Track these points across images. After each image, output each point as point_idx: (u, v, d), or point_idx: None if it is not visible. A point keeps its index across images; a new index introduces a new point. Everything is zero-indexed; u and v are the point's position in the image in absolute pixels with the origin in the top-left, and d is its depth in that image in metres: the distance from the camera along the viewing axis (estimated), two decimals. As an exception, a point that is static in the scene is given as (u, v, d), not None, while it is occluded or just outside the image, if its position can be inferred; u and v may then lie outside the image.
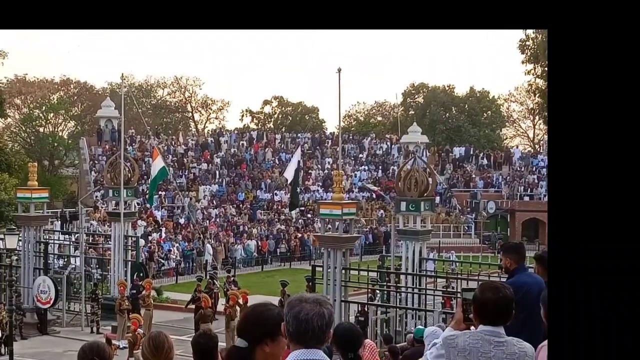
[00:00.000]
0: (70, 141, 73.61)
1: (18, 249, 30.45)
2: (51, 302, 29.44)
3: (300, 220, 54.52)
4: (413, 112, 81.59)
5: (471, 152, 69.84)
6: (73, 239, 36.16)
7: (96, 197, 48.99)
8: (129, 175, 33.10)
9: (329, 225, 24.95)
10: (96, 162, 56.21)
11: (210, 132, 73.98)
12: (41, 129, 74.80)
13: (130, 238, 33.57)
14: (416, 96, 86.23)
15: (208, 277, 33.65)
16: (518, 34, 46.21)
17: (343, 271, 24.38)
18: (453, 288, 25.29)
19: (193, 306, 28.37)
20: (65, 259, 35.24)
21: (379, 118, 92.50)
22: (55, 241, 35.23)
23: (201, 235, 46.52)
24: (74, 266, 33.58)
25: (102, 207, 45.21)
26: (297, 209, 50.78)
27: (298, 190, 41.94)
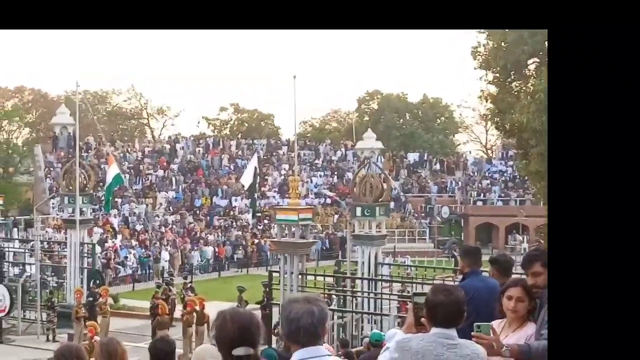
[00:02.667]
0: (25, 148, 72.59)
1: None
2: (6, 310, 29.04)
3: (257, 226, 54.43)
4: (367, 119, 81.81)
5: (425, 158, 70.29)
6: (28, 247, 35.73)
7: (51, 204, 48.46)
8: (85, 182, 32.72)
9: (286, 231, 24.93)
10: (51, 169, 55.61)
11: (166, 139, 73.55)
12: (-5, 137, 73.84)
13: (86, 245, 33.25)
14: (370, 103, 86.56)
15: (164, 283, 33.42)
16: (470, 41, 46.93)
17: (300, 276, 24.38)
18: (408, 292, 25.38)
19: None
20: (21, 267, 34.81)
21: (334, 124, 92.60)
22: (10, 249, 34.80)
23: (158, 242, 46.25)
24: (29, 274, 33.17)
25: (57, 215, 44.72)
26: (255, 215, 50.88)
27: (255, 196, 41.97)
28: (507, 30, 34.38)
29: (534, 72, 34.38)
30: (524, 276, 6.69)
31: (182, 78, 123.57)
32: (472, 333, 5.39)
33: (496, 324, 6.10)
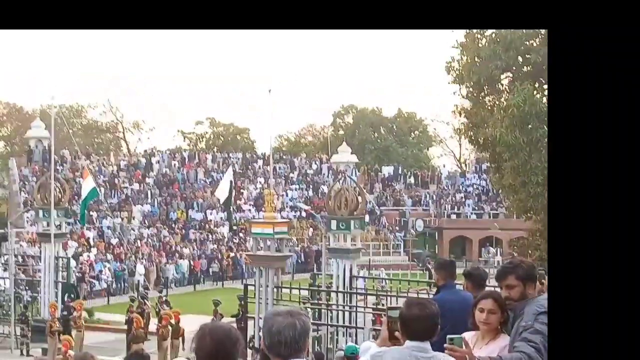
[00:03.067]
0: (-1, 162, 72.22)
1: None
2: (-21, 324, 28.81)
3: (232, 240, 54.28)
4: (343, 133, 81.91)
5: (399, 172, 70.45)
6: (2, 261, 35.44)
7: (25, 218, 48.08)
8: (60, 195, 32.48)
9: (261, 244, 24.87)
10: (26, 182, 55.21)
11: (142, 153, 73.21)
12: (-32, 150, 73.20)
13: (61, 259, 32.96)
14: (345, 117, 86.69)
15: (139, 297, 33.25)
16: (444, 56, 47.26)
17: (275, 290, 24.32)
18: (383, 305, 25.37)
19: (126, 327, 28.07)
20: (-6, 281, 34.52)
21: (310, 138, 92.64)
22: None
23: (133, 256, 46.00)
24: (2, 288, 32.88)
25: (31, 229, 44.43)
26: (231, 228, 50.82)
27: (232, 211, 41.81)
28: (480, 45, 34.58)
29: (507, 87, 34.56)
30: (497, 289, 6.70)
31: (159, 92, 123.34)
32: (445, 345, 5.38)
33: (469, 336, 6.09)
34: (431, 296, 10.14)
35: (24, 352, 28.61)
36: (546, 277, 11.45)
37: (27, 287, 34.19)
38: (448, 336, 5.41)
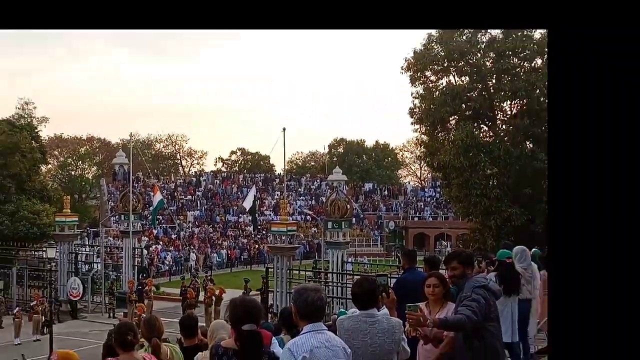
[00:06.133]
0: (93, 181, 72.12)
1: (56, 258, 30.16)
2: (80, 295, 28.80)
3: (257, 236, 54.18)
4: (336, 159, 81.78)
5: (377, 187, 70.37)
6: (96, 250, 35.51)
7: (112, 220, 48.00)
8: (136, 204, 32.62)
9: (278, 239, 24.91)
10: (112, 195, 55.20)
11: (193, 174, 73.06)
12: (72, 172, 73.21)
13: (136, 249, 33.02)
14: (338, 147, 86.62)
15: (191, 276, 33.26)
16: (408, 103, 47.43)
17: (288, 271, 24.33)
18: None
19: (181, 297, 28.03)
20: (90, 265, 34.52)
21: (312, 163, 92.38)
22: (83, 252, 34.55)
23: (187, 247, 45.97)
24: (96, 270, 32.90)
25: (116, 228, 44.44)
26: (256, 227, 50.75)
27: (256, 215, 41.74)
28: (434, 96, 34.56)
29: (454, 126, 34.62)
30: (442, 271, 6.73)
31: (204, 127, 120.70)
32: (406, 311, 5.40)
33: (423, 305, 6.13)
34: (399, 276, 10.16)
35: (111, 315, 28.60)
36: (483, 262, 11.41)
37: (113, 269, 34.19)
38: (407, 305, 5.42)
